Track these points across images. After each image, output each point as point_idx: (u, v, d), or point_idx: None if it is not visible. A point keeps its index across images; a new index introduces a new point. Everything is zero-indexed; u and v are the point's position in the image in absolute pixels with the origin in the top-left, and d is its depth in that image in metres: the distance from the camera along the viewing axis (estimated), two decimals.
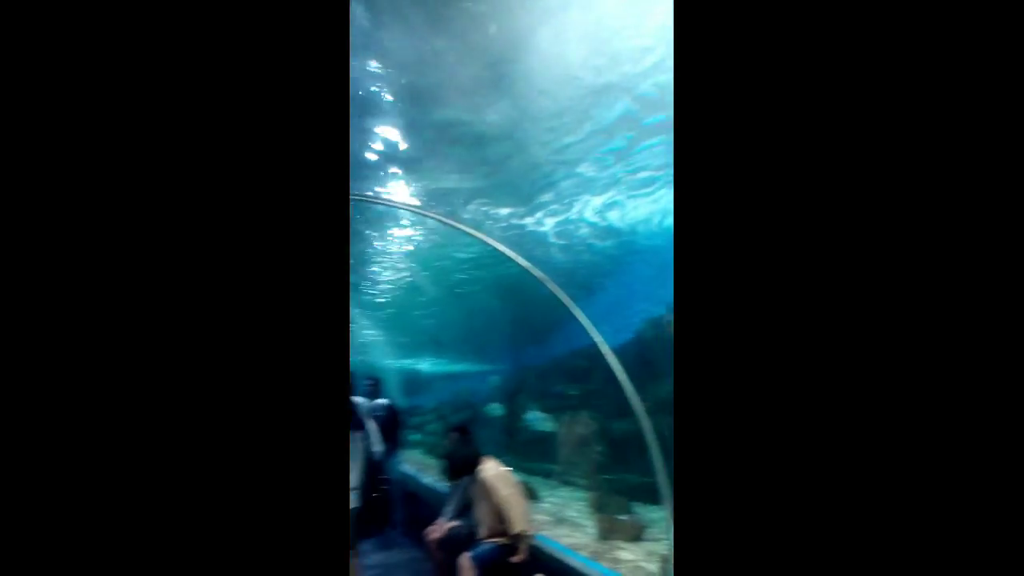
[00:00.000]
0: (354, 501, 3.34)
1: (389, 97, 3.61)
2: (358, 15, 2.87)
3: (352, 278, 8.20)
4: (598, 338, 2.69)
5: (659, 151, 5.05)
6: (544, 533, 3.66)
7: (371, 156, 4.33)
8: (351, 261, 7.42)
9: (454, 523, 3.43)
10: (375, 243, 6.79)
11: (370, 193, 4.90)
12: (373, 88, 3.47)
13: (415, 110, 3.74)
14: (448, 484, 3.91)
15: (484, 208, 5.33)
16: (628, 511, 4.48)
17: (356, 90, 3.43)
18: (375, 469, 4.64)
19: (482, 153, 4.18)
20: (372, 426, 5.04)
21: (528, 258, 3.88)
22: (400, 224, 6.23)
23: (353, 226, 6.19)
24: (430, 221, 5.92)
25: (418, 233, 6.41)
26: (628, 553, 3.52)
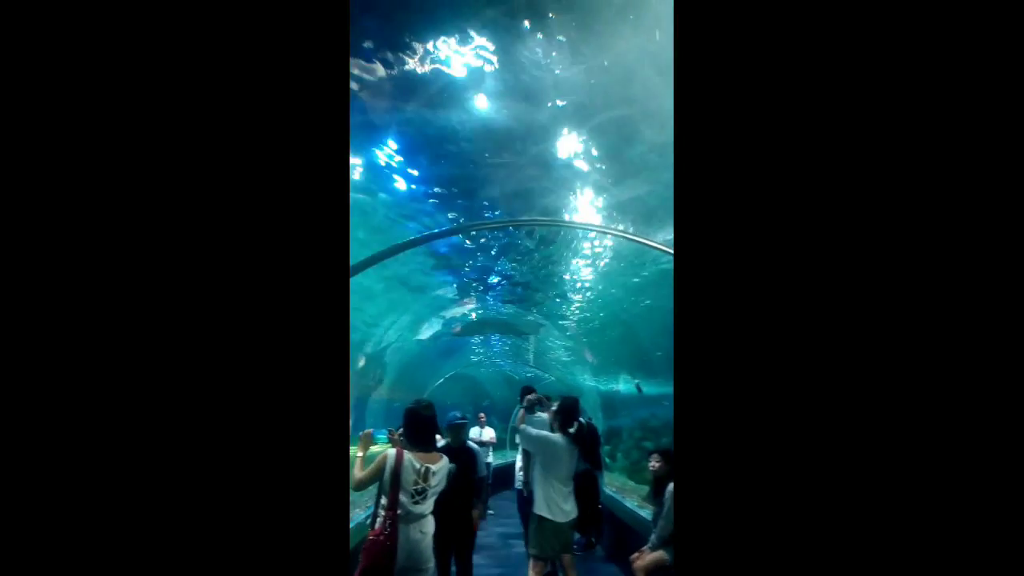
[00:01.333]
0: (572, 513, 3.42)
1: (568, 126, 3.77)
2: (527, 54, 3.09)
3: (540, 298, 8.60)
4: None
5: None
6: None
7: (554, 181, 4.55)
8: (548, 288, 7.82)
9: (659, 552, 3.24)
10: (563, 266, 7.04)
11: (549, 218, 5.13)
12: (551, 116, 3.67)
13: (591, 130, 3.82)
14: (653, 510, 3.73)
15: (662, 222, 5.10)
16: None
17: (535, 121, 3.67)
18: (585, 484, 4.68)
19: (662, 162, 4.03)
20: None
21: None
22: (586, 244, 6.35)
23: (537, 252, 6.53)
24: (616, 240, 5.91)
25: (604, 252, 6.44)
26: None
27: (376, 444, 2.91)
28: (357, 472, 2.58)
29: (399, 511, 2.52)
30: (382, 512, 2.57)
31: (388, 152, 4.17)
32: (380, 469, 2.59)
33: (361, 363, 8.71)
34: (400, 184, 4.64)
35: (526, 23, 2.94)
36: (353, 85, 3.28)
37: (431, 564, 2.61)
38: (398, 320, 8.96)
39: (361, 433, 2.77)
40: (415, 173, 4.51)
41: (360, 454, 2.66)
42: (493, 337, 12.44)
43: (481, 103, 3.59)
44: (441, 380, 14.67)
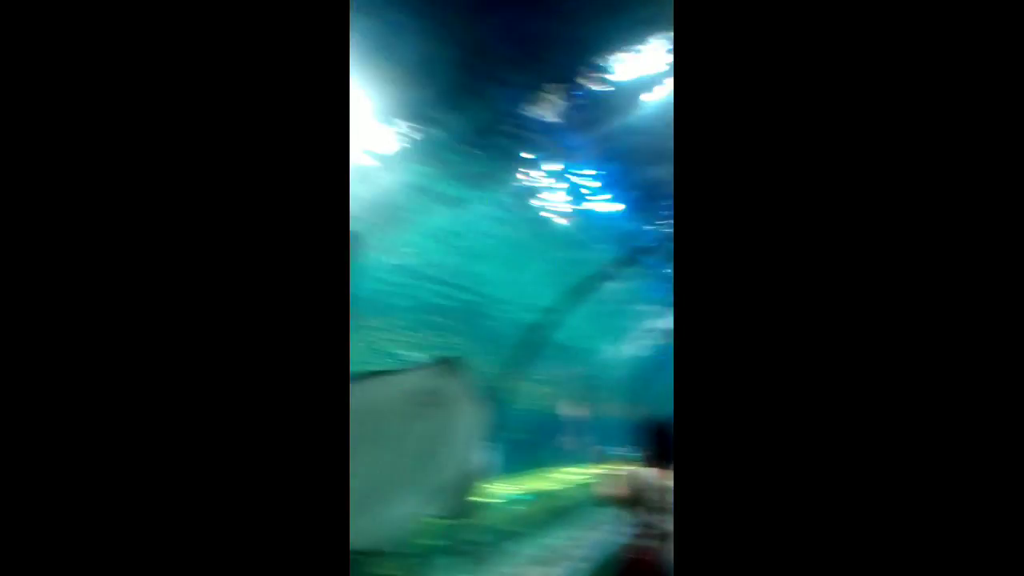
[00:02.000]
0: None
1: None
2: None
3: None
4: None
5: None
6: None
7: None
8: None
9: None
10: None
11: None
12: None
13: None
14: None
15: None
16: None
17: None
18: None
19: None
20: None
21: None
22: None
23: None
24: None
25: None
26: None
27: (609, 462, 2.94)
28: (602, 489, 2.64)
29: (655, 530, 2.48)
30: (639, 531, 2.57)
31: (581, 171, 4.33)
32: (626, 487, 2.60)
33: (576, 374, 8.93)
34: (599, 200, 4.75)
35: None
36: (543, 112, 3.51)
37: None
38: (615, 334, 9.00)
39: (593, 449, 2.85)
40: (599, 185, 4.57)
41: (601, 471, 2.72)
42: None
43: (663, 102, 3.47)
44: (662, 393, 14.12)
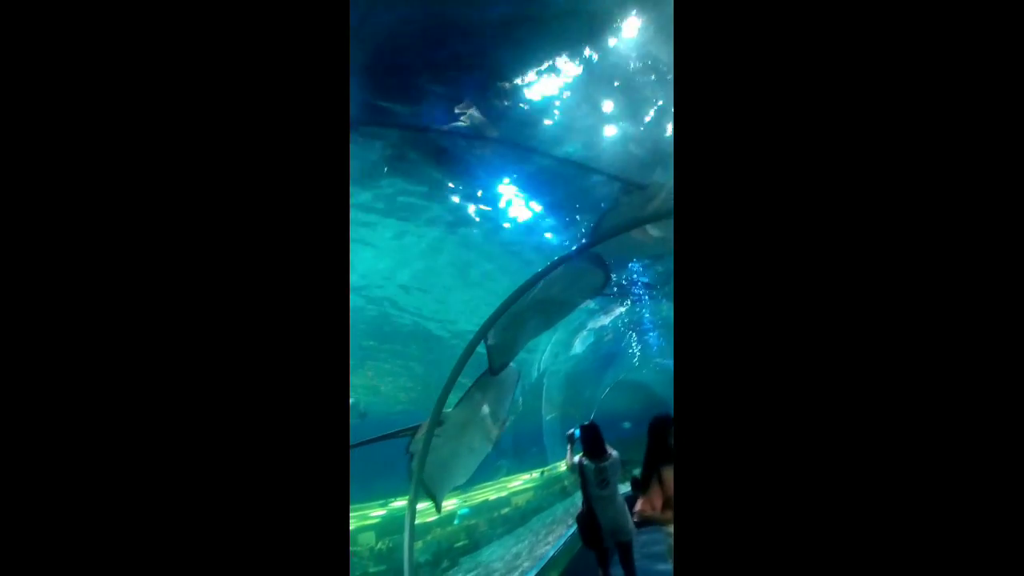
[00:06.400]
0: None
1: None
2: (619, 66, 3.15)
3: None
4: None
5: None
6: None
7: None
8: None
9: None
10: None
11: None
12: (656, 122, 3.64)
13: None
14: None
15: None
16: None
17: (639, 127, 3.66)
18: None
19: None
20: None
21: None
22: None
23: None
24: None
25: None
26: None
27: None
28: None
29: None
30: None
31: (504, 185, 4.51)
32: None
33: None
34: (519, 213, 4.96)
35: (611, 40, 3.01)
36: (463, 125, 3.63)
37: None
38: (552, 338, 9.25)
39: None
40: (530, 203, 4.79)
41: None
42: (651, 336, 12.09)
43: (582, 121, 3.69)
44: (607, 390, 14.52)
